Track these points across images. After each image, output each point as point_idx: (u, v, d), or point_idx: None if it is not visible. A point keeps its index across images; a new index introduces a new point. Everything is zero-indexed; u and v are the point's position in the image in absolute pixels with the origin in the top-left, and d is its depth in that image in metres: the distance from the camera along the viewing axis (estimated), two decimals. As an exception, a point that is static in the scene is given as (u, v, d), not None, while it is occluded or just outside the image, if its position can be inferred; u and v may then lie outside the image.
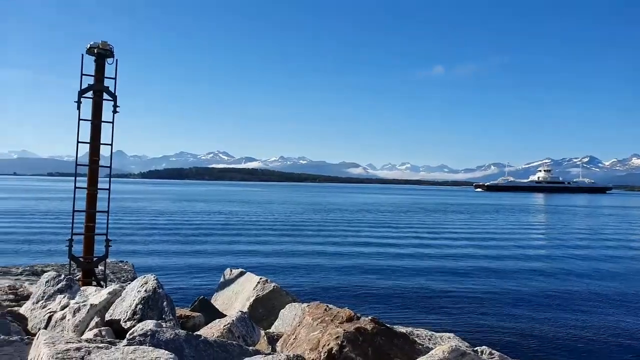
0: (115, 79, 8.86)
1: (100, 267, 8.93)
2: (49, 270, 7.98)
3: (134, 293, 5.13)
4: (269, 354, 3.89)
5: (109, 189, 8.63)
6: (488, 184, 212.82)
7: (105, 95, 8.82)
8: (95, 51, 8.73)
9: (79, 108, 8.50)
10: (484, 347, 4.63)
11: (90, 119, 8.76)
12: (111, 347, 3.18)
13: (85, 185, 8.76)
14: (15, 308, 6.20)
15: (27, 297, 6.82)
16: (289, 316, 6.50)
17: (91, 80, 8.76)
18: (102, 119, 8.85)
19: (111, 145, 8.89)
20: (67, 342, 3.13)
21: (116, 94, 8.83)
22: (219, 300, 8.43)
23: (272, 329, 6.42)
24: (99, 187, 8.87)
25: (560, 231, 35.46)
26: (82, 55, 8.63)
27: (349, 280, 15.68)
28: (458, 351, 3.67)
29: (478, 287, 15.03)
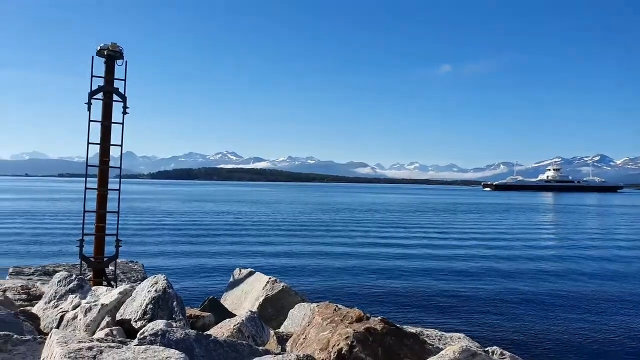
0: (124, 80, 8.92)
1: (111, 267, 9.00)
2: (60, 270, 8.06)
3: (144, 293, 5.16)
4: (279, 353, 3.90)
5: (119, 190, 8.70)
6: (496, 183, 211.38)
7: (115, 97, 8.89)
8: (105, 53, 8.80)
9: (89, 109, 8.58)
10: (494, 347, 4.59)
11: (100, 120, 8.83)
12: (122, 347, 3.20)
13: (95, 185, 8.84)
14: (28, 308, 6.26)
15: (39, 297, 6.88)
16: (299, 316, 6.50)
17: (101, 82, 8.83)
18: (112, 120, 8.92)
19: (121, 146, 8.96)
20: (79, 342, 3.16)
21: (126, 95, 8.90)
22: (228, 300, 8.46)
23: (282, 329, 6.43)
24: (109, 188, 8.94)
25: (570, 231, 35.16)
26: (92, 57, 8.71)
27: (357, 280, 15.66)
28: (469, 351, 3.65)
29: (488, 288, 14.95)
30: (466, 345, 3.92)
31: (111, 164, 9.04)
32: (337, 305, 4.72)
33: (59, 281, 6.17)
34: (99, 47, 8.78)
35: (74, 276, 6.30)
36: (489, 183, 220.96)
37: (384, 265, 18.39)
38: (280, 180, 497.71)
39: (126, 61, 8.90)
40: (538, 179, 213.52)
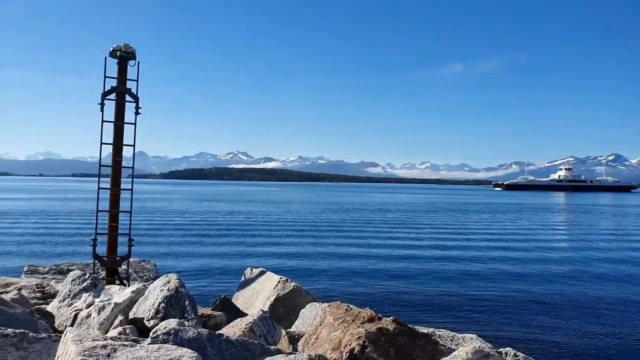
0: (137, 81, 9.00)
1: (124, 266, 9.07)
2: (74, 269, 8.15)
3: (156, 292, 5.20)
4: (291, 353, 3.90)
5: (131, 190, 8.76)
6: (507, 182, 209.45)
7: (128, 97, 8.97)
8: (118, 54, 8.87)
9: (102, 110, 8.66)
10: (508, 348, 4.55)
11: (113, 120, 8.91)
12: (136, 345, 3.23)
13: (108, 185, 8.92)
14: (43, 306, 6.35)
15: (53, 295, 6.97)
16: (310, 316, 6.50)
17: (114, 83, 8.91)
18: (125, 121, 8.99)
19: (133, 146, 9.03)
20: (94, 340, 3.19)
21: (138, 95, 8.97)
22: (239, 299, 8.49)
23: (293, 329, 6.44)
24: (121, 188, 9.02)
25: (585, 231, 34.70)
26: (105, 58, 8.79)
27: (368, 280, 15.61)
28: (482, 352, 3.62)
29: (500, 289, 14.80)
30: (479, 346, 3.89)
31: (124, 163, 9.12)
32: (348, 305, 4.71)
33: (73, 280, 6.25)
34: (111, 48, 8.87)
35: (87, 275, 6.37)
36: (499, 183, 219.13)
37: (395, 266, 18.33)
38: (290, 180, 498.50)
39: (138, 62, 8.98)
40: (549, 178, 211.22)
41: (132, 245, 8.98)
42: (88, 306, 5.55)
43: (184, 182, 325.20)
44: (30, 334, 3.69)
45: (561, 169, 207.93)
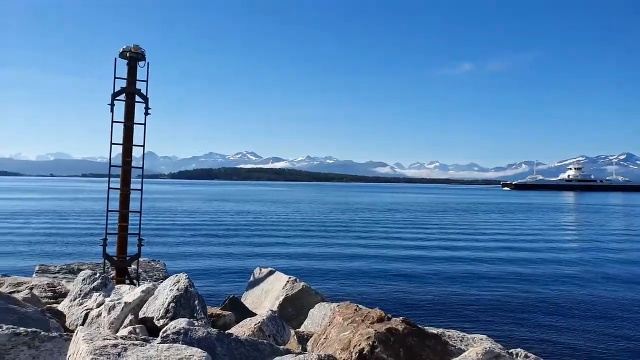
0: (146, 81, 9.05)
1: (133, 266, 9.13)
2: (84, 269, 8.22)
3: (166, 292, 5.22)
4: (300, 353, 3.90)
5: (141, 190, 8.81)
6: (516, 182, 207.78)
7: (137, 98, 9.02)
8: (128, 55, 8.93)
9: (112, 110, 8.72)
10: (518, 349, 4.51)
11: (123, 121, 8.97)
12: (146, 345, 3.24)
13: (118, 185, 8.98)
14: (54, 305, 6.40)
15: (64, 295, 7.03)
16: (319, 316, 6.50)
17: (124, 83, 8.97)
18: (135, 121, 9.05)
19: (143, 146, 9.08)
20: (105, 339, 3.21)
21: (148, 96, 9.02)
22: (248, 299, 8.51)
23: (302, 329, 6.44)
24: (131, 188, 9.07)
25: (596, 232, 34.35)
26: (115, 58, 8.85)
27: (377, 281, 15.57)
28: (492, 353, 3.59)
29: (510, 290, 14.69)
30: (489, 347, 3.86)
31: (133, 164, 9.18)
32: (357, 306, 4.70)
33: (84, 279, 6.29)
34: (121, 49, 8.93)
35: (97, 274, 6.42)
36: (508, 182, 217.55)
37: (404, 266, 18.26)
38: (299, 180, 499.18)
39: (148, 63, 9.03)
40: (559, 178, 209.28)
41: (141, 245, 9.03)
42: (98, 305, 5.58)
43: (193, 182, 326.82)
44: (42, 332, 3.72)
45: (570, 169, 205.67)
